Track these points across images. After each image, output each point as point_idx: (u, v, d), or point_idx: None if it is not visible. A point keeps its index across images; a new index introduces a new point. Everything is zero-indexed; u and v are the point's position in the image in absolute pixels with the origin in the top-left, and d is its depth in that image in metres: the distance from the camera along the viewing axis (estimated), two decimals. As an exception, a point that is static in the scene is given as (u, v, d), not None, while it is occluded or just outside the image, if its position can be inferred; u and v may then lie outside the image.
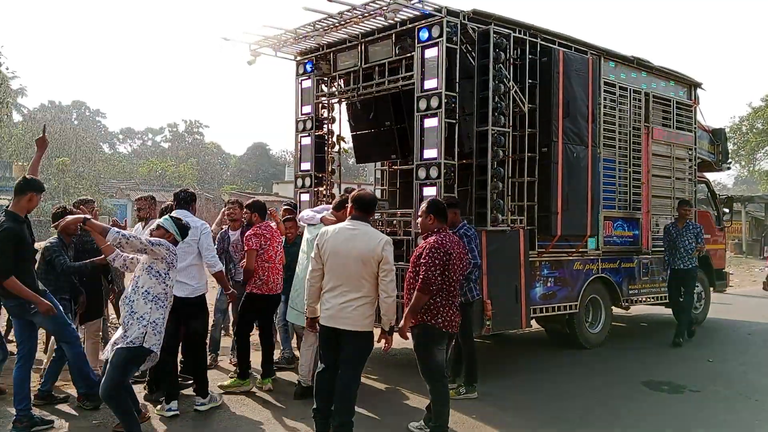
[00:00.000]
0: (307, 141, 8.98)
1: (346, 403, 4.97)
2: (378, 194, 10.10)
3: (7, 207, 5.67)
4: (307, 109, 8.95)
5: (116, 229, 4.96)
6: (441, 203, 5.41)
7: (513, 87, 7.49)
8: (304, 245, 6.63)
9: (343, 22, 7.77)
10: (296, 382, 6.61)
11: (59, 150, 37.29)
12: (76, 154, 39.09)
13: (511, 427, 5.70)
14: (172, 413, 5.79)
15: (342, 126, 9.27)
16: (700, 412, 6.33)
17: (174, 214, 5.87)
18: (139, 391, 6.46)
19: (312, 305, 5.20)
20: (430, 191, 7.05)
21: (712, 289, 11.48)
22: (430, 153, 7.17)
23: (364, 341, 4.98)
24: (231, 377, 6.87)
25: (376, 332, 5.14)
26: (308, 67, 8.86)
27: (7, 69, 14.44)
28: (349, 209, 5.17)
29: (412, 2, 7.00)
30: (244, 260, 6.78)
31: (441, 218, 5.22)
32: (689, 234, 9.36)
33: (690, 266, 9.41)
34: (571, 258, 8.40)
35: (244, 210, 7.31)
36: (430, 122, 7.16)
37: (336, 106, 9.18)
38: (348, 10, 7.44)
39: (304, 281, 5.50)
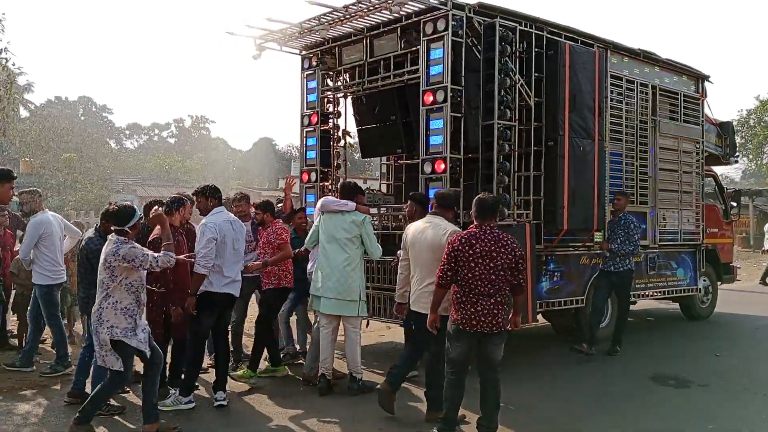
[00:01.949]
0: (312, 136, 8.97)
1: (435, 377, 5.59)
2: (384, 189, 10.11)
3: None
4: (313, 103, 8.94)
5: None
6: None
7: (519, 80, 7.46)
8: (325, 235, 6.50)
9: (348, 16, 7.76)
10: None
11: (66, 146, 37.40)
12: (82, 150, 39.17)
13: (518, 420, 5.68)
14: (192, 405, 5.85)
15: (348, 120, 9.27)
16: (707, 407, 6.30)
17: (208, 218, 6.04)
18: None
19: (400, 291, 6.01)
20: (435, 185, 7.07)
21: (719, 282, 11.44)
22: (435, 147, 7.16)
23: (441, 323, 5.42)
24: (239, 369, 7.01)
25: None
26: (313, 62, 8.84)
27: (14, 65, 14.53)
28: (432, 205, 6.00)
29: (417, -5, 6.98)
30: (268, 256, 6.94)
31: (476, 212, 5.12)
32: (619, 230, 7.90)
33: (622, 268, 7.96)
34: (577, 252, 8.37)
35: (254, 210, 7.30)
36: (436, 116, 7.14)
37: (341, 100, 9.17)
38: (353, 4, 7.44)
39: (337, 269, 6.29)
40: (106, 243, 5.12)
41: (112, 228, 5.14)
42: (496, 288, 4.98)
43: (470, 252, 4.97)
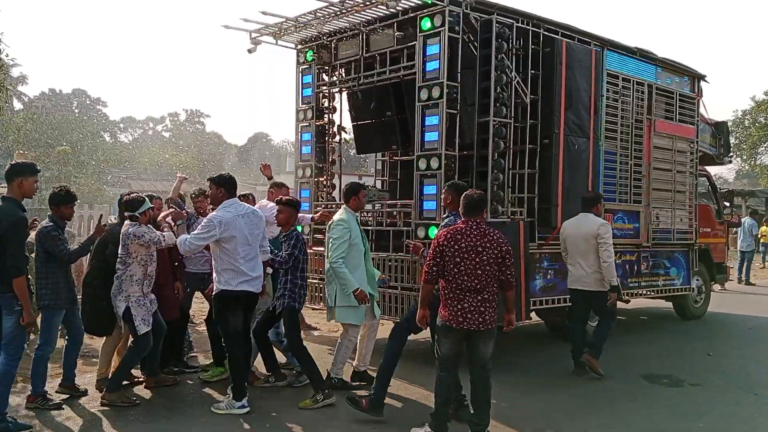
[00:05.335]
0: (307, 131, 8.94)
1: (599, 339, 7.21)
2: (378, 185, 10.09)
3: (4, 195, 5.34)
4: (308, 98, 8.91)
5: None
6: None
7: (515, 78, 7.44)
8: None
9: (344, 10, 7.73)
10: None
11: (60, 139, 37.19)
12: (77, 143, 38.95)
13: (509, 418, 5.69)
14: (246, 410, 5.69)
15: (343, 116, 9.25)
16: (699, 406, 6.32)
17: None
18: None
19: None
20: (430, 182, 7.06)
21: (712, 282, 11.47)
22: (430, 144, 7.14)
23: (602, 296, 7.07)
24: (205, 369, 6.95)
25: None
26: (309, 57, 8.81)
27: (7, 56, 14.39)
28: (582, 205, 7.40)
29: (414, -9, 6.96)
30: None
31: (462, 209, 5.13)
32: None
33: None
34: (571, 250, 8.36)
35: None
36: (432, 112, 7.12)
37: (337, 95, 9.14)
38: (350, -2, 7.40)
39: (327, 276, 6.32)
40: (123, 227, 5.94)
41: (126, 215, 5.96)
42: (484, 284, 4.95)
43: (456, 247, 4.96)
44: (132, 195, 6.11)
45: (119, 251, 5.91)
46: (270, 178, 7.84)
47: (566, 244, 7.36)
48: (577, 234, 7.20)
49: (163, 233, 6.06)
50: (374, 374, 6.62)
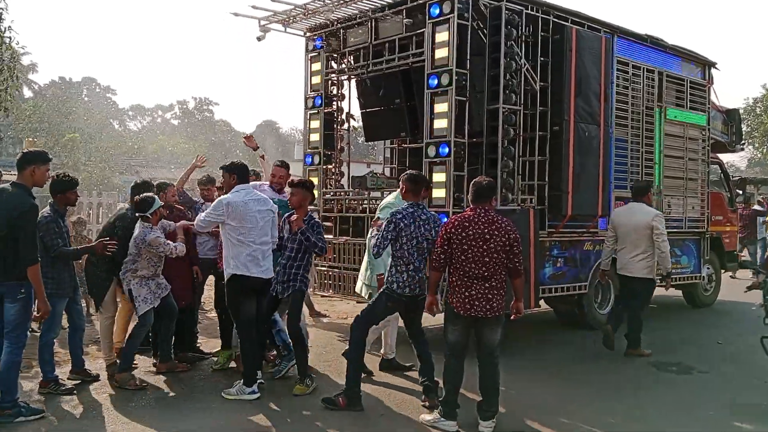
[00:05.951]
0: (316, 118, 8.92)
1: (633, 330, 7.50)
2: (387, 173, 10.07)
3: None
4: (317, 86, 8.88)
5: None
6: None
7: (525, 65, 7.40)
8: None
9: (353, -3, 7.69)
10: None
11: (70, 126, 37.37)
12: (86, 131, 39.12)
13: (518, 404, 5.70)
14: (256, 396, 5.73)
15: (352, 103, 9.22)
16: (709, 393, 6.31)
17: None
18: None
19: (605, 260, 7.80)
20: (439, 169, 7.04)
21: (723, 270, 11.41)
22: (440, 131, 7.11)
23: (646, 284, 7.43)
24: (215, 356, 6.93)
25: None
26: (318, 44, 8.78)
27: (17, 44, 14.39)
28: (633, 194, 7.70)
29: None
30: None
31: (471, 196, 5.14)
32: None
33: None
34: (581, 238, 8.34)
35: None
36: (441, 100, 7.09)
37: (345, 83, 9.11)
38: (358, -15, 7.36)
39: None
40: (136, 228, 6.03)
41: (137, 215, 6.07)
42: (491, 271, 4.95)
43: (463, 234, 4.97)
44: (143, 195, 6.11)
45: (129, 249, 6.01)
46: (255, 149, 7.65)
47: (617, 231, 7.51)
48: (630, 223, 7.36)
49: (176, 243, 6.13)
50: (402, 363, 6.71)
